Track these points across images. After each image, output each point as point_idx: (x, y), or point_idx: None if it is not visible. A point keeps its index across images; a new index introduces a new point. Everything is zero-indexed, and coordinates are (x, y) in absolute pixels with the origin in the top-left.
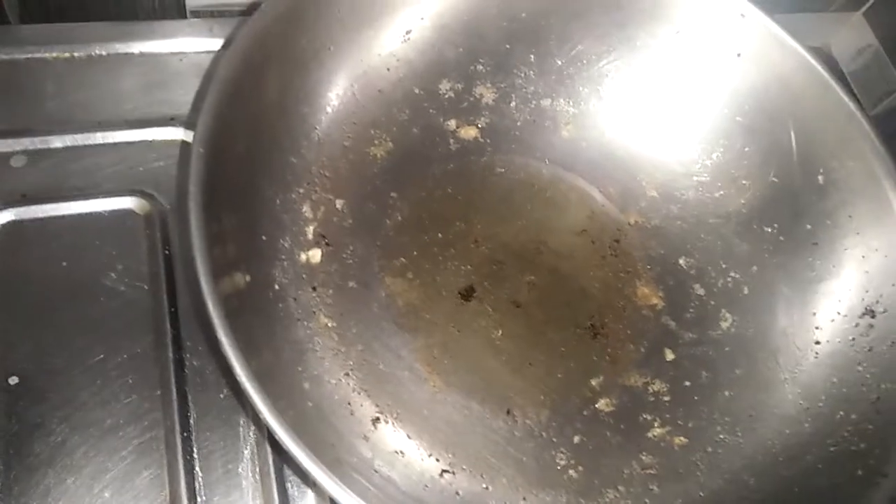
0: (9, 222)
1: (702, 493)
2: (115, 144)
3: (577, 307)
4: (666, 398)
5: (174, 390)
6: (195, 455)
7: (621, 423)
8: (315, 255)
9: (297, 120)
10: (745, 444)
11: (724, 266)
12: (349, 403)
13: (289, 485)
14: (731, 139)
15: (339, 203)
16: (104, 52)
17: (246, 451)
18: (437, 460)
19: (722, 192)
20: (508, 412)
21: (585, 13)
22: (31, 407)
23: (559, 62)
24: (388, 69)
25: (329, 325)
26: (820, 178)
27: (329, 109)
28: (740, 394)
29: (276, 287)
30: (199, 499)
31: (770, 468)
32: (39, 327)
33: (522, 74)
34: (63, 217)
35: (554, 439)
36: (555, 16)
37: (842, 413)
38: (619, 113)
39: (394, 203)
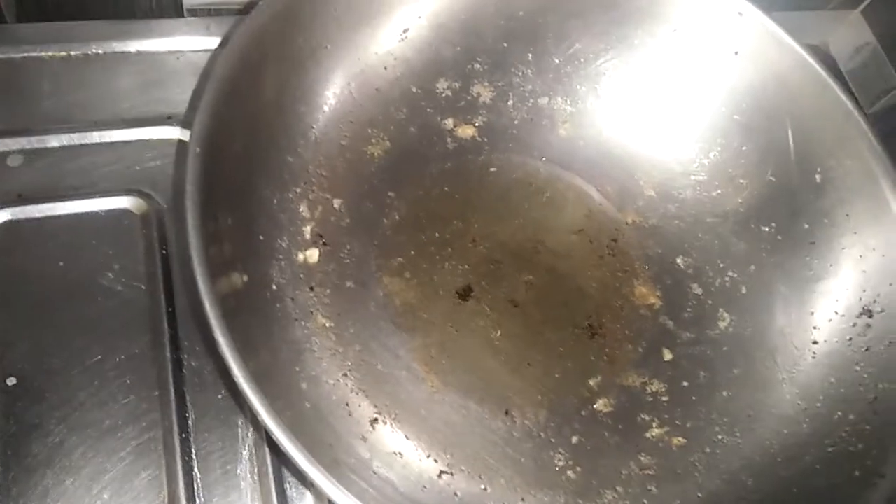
0: (5, 222)
1: (700, 494)
2: (111, 143)
3: (574, 307)
4: (664, 398)
5: (172, 391)
6: (193, 456)
7: (619, 424)
8: (312, 254)
9: (294, 119)
10: (744, 444)
11: (721, 265)
12: (347, 404)
13: (287, 486)
14: (728, 138)
15: (336, 202)
16: (101, 51)
17: (244, 452)
18: (436, 461)
19: (719, 191)
20: (507, 412)
21: (583, 12)
22: (29, 408)
23: (557, 61)
24: (386, 68)
25: (327, 325)
26: (817, 176)
27: (326, 108)
28: (738, 394)
29: (274, 287)
30: (197, 500)
31: (768, 469)
32: (37, 328)
33: (520, 73)
34: (60, 217)
35: (552, 440)
36: (552, 14)
37: (839, 413)
38: (616, 111)
39: (391, 202)
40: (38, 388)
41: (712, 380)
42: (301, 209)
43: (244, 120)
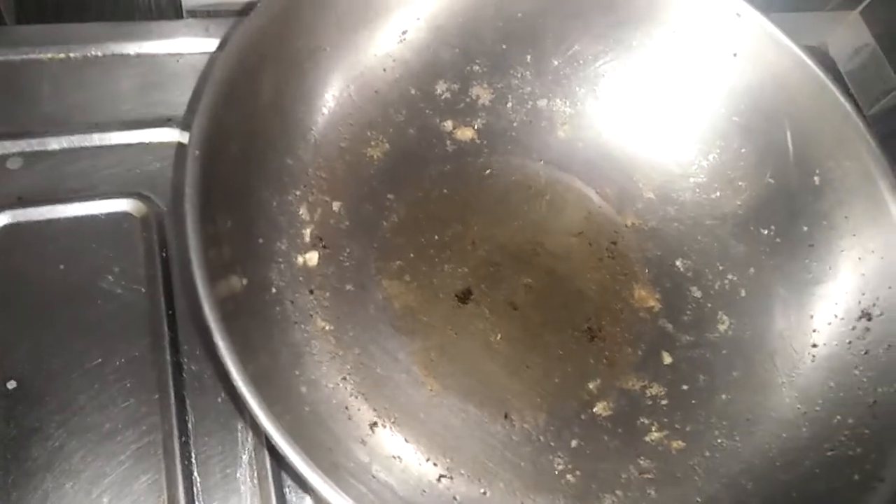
0: (5, 225)
1: (699, 498)
2: (111, 146)
3: (574, 310)
4: (663, 402)
5: (172, 394)
6: (193, 460)
7: (619, 427)
8: (312, 257)
9: (293, 121)
10: (743, 448)
11: (720, 268)
12: (346, 408)
13: (287, 490)
14: (727, 140)
15: (335, 205)
16: (100, 53)
17: (244, 456)
18: (435, 465)
19: (718, 194)
20: (506, 416)
21: (582, 13)
22: (29, 411)
23: (555, 62)
24: (385, 70)
25: (326, 328)
26: (816, 178)
27: (325, 110)
28: (738, 397)
29: (273, 290)
30: None
31: (768, 473)
32: (37, 331)
33: (519, 75)
34: (59, 220)
35: (551, 443)
36: (551, 16)
37: (839, 417)
38: (615, 113)
39: (390, 205)
40: (38, 392)
41: (712, 383)
42: (300, 212)
43: (243, 122)
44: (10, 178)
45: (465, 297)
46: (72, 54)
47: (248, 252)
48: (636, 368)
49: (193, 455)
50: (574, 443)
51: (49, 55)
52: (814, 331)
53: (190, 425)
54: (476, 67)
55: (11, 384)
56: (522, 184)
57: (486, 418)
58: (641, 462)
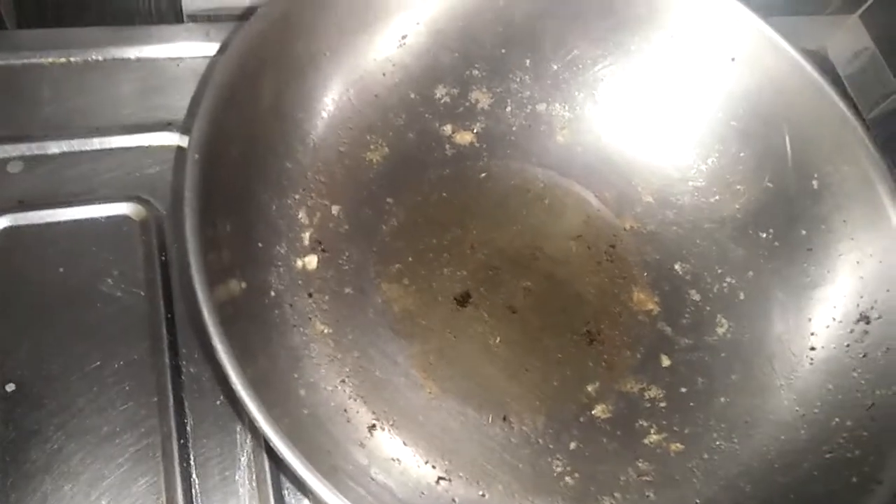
0: (5, 228)
1: (698, 500)
2: (111, 150)
3: (572, 313)
4: (662, 404)
5: (171, 397)
6: (192, 462)
7: (617, 430)
8: (311, 261)
9: (292, 125)
10: (742, 450)
11: (719, 271)
12: (345, 410)
13: (286, 492)
14: (726, 144)
15: (335, 209)
16: (101, 58)
17: (243, 459)
18: (434, 467)
19: (717, 198)
20: (505, 418)
21: (580, 18)
22: (27, 414)
23: (554, 67)
24: (384, 74)
25: (325, 331)
26: (814, 182)
27: (325, 114)
28: (736, 400)
29: (273, 293)
30: None
31: (766, 475)
32: (36, 333)
33: (518, 79)
34: (60, 223)
35: (550, 446)
36: (550, 20)
37: (837, 420)
38: (614, 117)
39: (390, 208)
40: (37, 394)
41: (710, 386)
42: (300, 215)
43: (243, 126)
44: (10, 181)
45: (463, 300)
46: (72, 58)
47: (248, 256)
48: (635, 371)
49: (192, 457)
50: (573, 445)
51: (49, 59)
52: (812, 334)
53: (189, 428)
54: (475, 72)
55: (10, 387)
56: (521, 188)
57: (484, 421)
58: (640, 464)
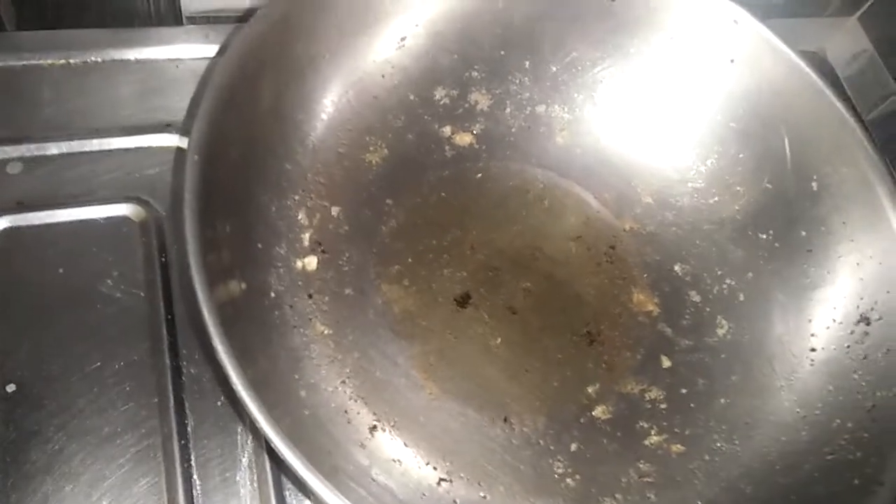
0: (5, 229)
1: (699, 502)
2: (111, 151)
3: (572, 314)
4: (663, 406)
5: (171, 398)
6: (193, 463)
7: (618, 431)
8: (311, 262)
9: (292, 126)
10: (742, 452)
11: (719, 273)
12: (346, 411)
13: (287, 493)
14: (725, 145)
15: (334, 210)
16: (100, 59)
17: (243, 459)
18: (435, 468)
19: (716, 199)
20: (505, 420)
21: (580, 20)
22: (28, 414)
23: (554, 69)
24: (384, 76)
25: (325, 332)
26: (814, 184)
27: (324, 116)
28: (737, 401)
29: (273, 294)
30: None
31: (767, 476)
32: (36, 334)
33: (517, 81)
34: (59, 224)
35: (551, 447)
36: (549, 22)
37: (838, 421)
38: (613, 119)
39: (389, 210)
40: (38, 395)
41: (711, 387)
42: (299, 217)
43: (242, 128)
44: (10, 182)
45: (464, 301)
46: (72, 60)
47: (247, 257)
48: (635, 372)
49: (193, 458)
50: (574, 446)
51: (49, 61)
52: (812, 335)
53: (189, 429)
54: (475, 73)
55: (11, 387)
56: (521, 189)
57: (485, 422)
58: (641, 466)
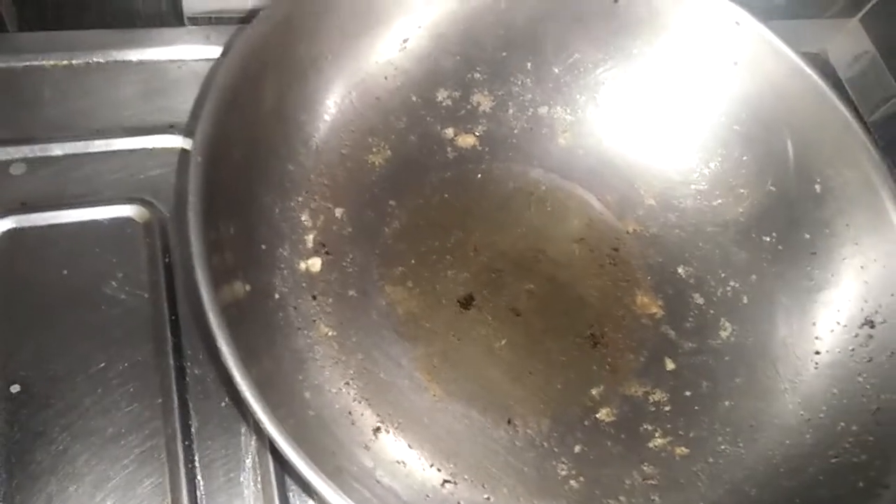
0: (9, 230)
1: None
2: (114, 152)
3: (576, 316)
4: (666, 408)
5: (175, 399)
6: (197, 464)
7: (622, 433)
8: (315, 263)
9: (294, 128)
10: (746, 454)
11: (723, 275)
12: (350, 413)
13: (290, 494)
14: (728, 148)
15: (338, 211)
16: (103, 60)
17: (247, 460)
18: (439, 470)
19: (720, 201)
20: (509, 421)
21: (582, 21)
22: (32, 415)
23: (556, 70)
24: (386, 77)
25: (329, 333)
26: (817, 186)
27: (327, 117)
28: (740, 403)
29: (276, 296)
30: None
31: (771, 479)
32: (41, 335)
33: (519, 82)
34: (63, 225)
35: (555, 449)
36: (551, 24)
37: (842, 424)
38: (616, 121)
39: (392, 211)
40: (42, 396)
41: (714, 389)
42: (303, 218)
43: (245, 129)
44: (13, 183)
45: (467, 303)
46: (74, 61)
47: (251, 258)
48: (639, 375)
49: (197, 459)
50: (577, 448)
51: (51, 62)
52: (816, 338)
53: (193, 429)
54: (477, 75)
55: (15, 388)
56: (523, 190)
57: (489, 424)
58: (645, 468)
